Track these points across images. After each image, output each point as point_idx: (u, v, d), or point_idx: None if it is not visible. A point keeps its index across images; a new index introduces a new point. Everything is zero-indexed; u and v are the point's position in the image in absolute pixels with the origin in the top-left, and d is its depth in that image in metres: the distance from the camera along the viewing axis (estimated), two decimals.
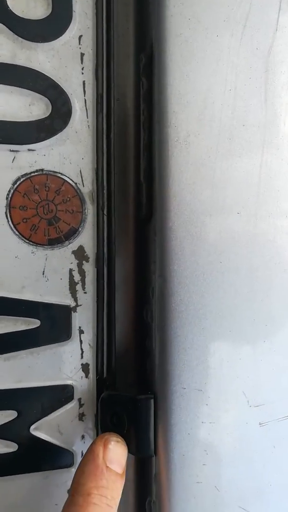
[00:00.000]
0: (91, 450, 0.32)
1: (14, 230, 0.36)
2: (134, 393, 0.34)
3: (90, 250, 0.37)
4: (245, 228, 0.35)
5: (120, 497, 0.32)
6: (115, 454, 0.32)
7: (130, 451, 0.33)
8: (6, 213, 0.35)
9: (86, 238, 0.37)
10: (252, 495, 0.32)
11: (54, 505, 0.37)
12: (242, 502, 0.32)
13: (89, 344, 0.37)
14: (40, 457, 0.36)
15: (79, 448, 0.37)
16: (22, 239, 0.36)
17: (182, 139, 0.34)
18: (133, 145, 0.37)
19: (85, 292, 0.37)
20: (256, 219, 0.35)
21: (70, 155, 0.36)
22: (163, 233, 0.35)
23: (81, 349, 0.37)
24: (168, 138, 0.34)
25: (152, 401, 0.33)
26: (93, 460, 0.31)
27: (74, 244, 0.37)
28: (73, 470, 0.37)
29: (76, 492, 0.31)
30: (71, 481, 0.37)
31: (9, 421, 0.36)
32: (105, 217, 0.38)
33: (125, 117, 0.38)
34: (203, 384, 0.31)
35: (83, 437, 0.37)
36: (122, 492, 0.33)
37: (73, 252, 0.37)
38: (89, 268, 0.37)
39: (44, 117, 0.35)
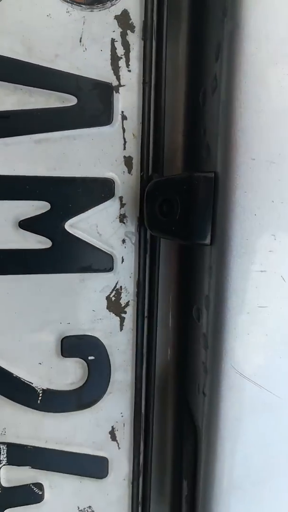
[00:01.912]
0: None
1: None
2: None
3: (136, 17, 0.31)
4: None
5: None
6: None
7: (182, 238, 0.29)
8: None
9: (131, 0, 0.30)
10: None
11: (92, 311, 0.33)
12: None
13: (133, 134, 0.32)
14: (76, 257, 0.32)
15: (119, 253, 0.33)
16: None
17: None
18: None
19: (129, 70, 0.31)
20: None
21: None
22: None
23: (124, 138, 0.32)
24: None
25: (212, 179, 0.27)
26: None
27: (117, 7, 0.30)
28: (111, 275, 0.33)
29: None
30: (109, 288, 0.34)
31: (41, 214, 0.31)
32: None
33: None
34: (277, 155, 0.26)
35: (124, 241, 0.33)
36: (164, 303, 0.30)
37: (116, 17, 0.30)
38: (135, 40, 0.31)
39: None
